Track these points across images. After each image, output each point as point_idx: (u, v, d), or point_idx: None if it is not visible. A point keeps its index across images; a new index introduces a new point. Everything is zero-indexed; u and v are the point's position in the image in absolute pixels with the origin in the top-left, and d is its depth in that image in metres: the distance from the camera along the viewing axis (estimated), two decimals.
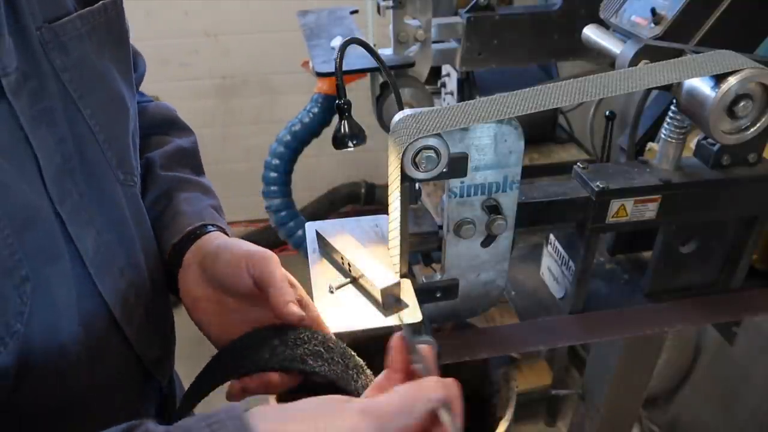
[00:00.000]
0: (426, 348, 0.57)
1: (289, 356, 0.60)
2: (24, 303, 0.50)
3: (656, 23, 0.82)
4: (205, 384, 0.63)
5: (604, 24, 0.94)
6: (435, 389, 0.48)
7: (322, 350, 0.61)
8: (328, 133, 2.31)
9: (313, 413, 0.45)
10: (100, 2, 0.60)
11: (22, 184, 0.50)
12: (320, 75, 1.29)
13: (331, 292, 0.71)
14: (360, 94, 1.37)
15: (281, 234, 2.08)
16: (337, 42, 1.39)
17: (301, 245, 2.06)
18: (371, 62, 0.84)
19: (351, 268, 0.72)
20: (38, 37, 0.53)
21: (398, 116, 0.64)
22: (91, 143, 0.59)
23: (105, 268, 0.60)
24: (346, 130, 0.78)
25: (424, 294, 0.73)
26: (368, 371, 0.61)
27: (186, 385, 0.68)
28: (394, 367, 0.52)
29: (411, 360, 0.54)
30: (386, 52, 1.35)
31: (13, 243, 0.49)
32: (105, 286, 0.60)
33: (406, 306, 0.68)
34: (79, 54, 0.57)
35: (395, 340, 0.52)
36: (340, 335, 0.65)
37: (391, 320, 0.67)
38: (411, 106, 0.66)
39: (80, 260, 0.57)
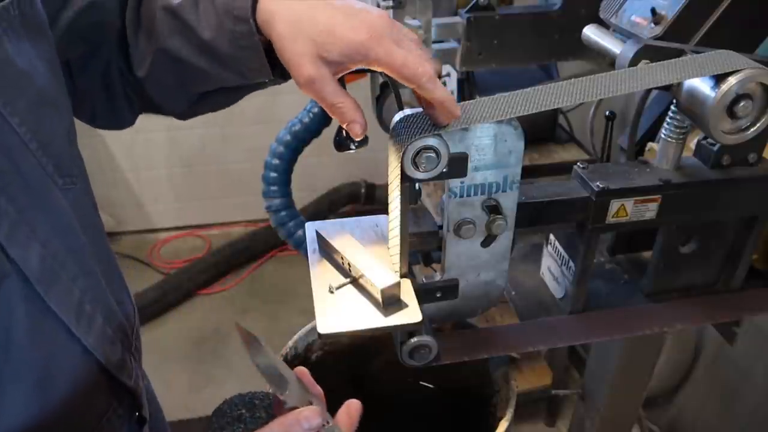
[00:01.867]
0: (300, 372, 0.61)
1: None
2: None
3: (656, 23, 0.82)
4: None
5: (604, 24, 0.94)
6: (309, 419, 0.54)
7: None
8: (328, 133, 2.31)
9: None
10: None
11: None
12: None
13: (331, 292, 0.71)
14: (360, 94, 1.37)
15: (281, 234, 2.08)
16: None
17: (301, 245, 2.06)
18: None
19: (351, 268, 0.72)
20: None
21: (398, 116, 0.64)
22: (23, 153, 0.54)
23: (54, 281, 0.57)
24: (348, 132, 0.78)
25: (424, 294, 0.73)
26: None
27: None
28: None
29: (280, 398, 0.59)
30: None
31: None
32: (56, 300, 0.57)
33: (406, 306, 0.68)
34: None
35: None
36: (340, 335, 0.65)
37: (391, 320, 0.67)
38: (411, 106, 0.66)
39: (26, 279, 0.54)
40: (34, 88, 0.56)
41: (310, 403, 0.60)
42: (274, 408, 0.62)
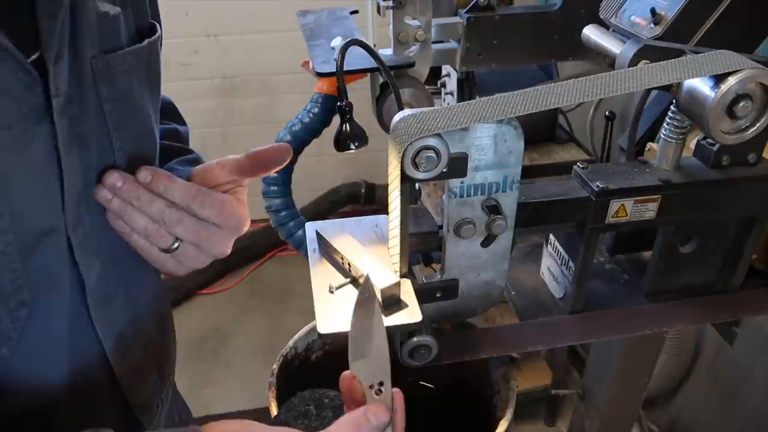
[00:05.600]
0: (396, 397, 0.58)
1: None
2: (15, 329, 0.50)
3: (656, 23, 0.82)
4: None
5: (604, 24, 0.94)
6: (377, 415, 0.53)
7: None
8: (328, 133, 2.30)
9: None
10: (146, 41, 0.61)
11: (43, 206, 0.50)
12: (320, 75, 1.29)
13: (331, 292, 0.71)
14: (360, 94, 1.37)
15: (281, 234, 2.08)
16: (337, 42, 1.39)
17: (301, 245, 2.05)
18: (371, 62, 0.84)
19: (351, 268, 0.72)
20: (92, 64, 0.54)
21: (398, 116, 0.64)
22: None
23: (104, 302, 0.59)
24: (348, 131, 0.78)
25: (424, 294, 0.73)
26: None
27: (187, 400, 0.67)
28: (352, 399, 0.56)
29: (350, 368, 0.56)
30: (386, 52, 1.35)
31: (17, 268, 0.48)
32: (102, 321, 0.59)
33: (406, 306, 0.68)
34: (124, 87, 0.58)
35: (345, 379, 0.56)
36: (340, 335, 0.65)
37: (392, 320, 0.67)
38: (411, 106, 0.66)
39: (81, 291, 0.56)
40: (140, 124, 0.62)
41: (381, 385, 0.56)
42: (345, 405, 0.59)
